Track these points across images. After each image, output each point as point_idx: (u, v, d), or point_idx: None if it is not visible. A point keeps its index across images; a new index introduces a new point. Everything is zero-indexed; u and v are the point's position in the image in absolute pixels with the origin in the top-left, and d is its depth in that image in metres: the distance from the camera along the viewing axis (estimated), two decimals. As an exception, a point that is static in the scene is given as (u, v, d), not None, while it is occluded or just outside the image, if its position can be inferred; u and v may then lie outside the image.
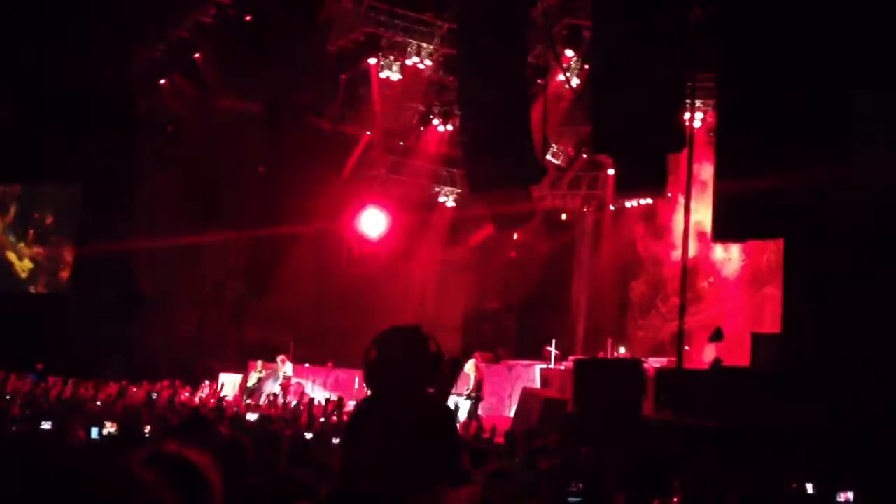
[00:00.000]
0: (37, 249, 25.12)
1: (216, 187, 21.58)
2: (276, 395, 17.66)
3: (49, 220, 25.06)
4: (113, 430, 6.46)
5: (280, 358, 19.65)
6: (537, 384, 16.12)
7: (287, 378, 19.21)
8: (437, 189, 23.19)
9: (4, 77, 20.88)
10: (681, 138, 12.01)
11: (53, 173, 24.43)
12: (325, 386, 20.15)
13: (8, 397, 13.56)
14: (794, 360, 10.31)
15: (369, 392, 3.50)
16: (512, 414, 14.94)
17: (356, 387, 19.07)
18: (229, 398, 18.70)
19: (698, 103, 15.92)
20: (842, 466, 8.21)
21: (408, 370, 3.36)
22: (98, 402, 13.42)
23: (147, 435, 7.39)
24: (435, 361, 3.39)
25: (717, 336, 13.09)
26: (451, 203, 23.27)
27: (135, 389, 16.76)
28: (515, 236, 22.30)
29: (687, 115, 13.52)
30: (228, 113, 21.41)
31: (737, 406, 10.43)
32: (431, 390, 3.39)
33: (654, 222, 20.32)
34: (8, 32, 19.93)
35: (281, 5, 18.44)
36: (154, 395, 15.87)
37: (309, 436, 9.18)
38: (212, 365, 20.92)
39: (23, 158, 22.82)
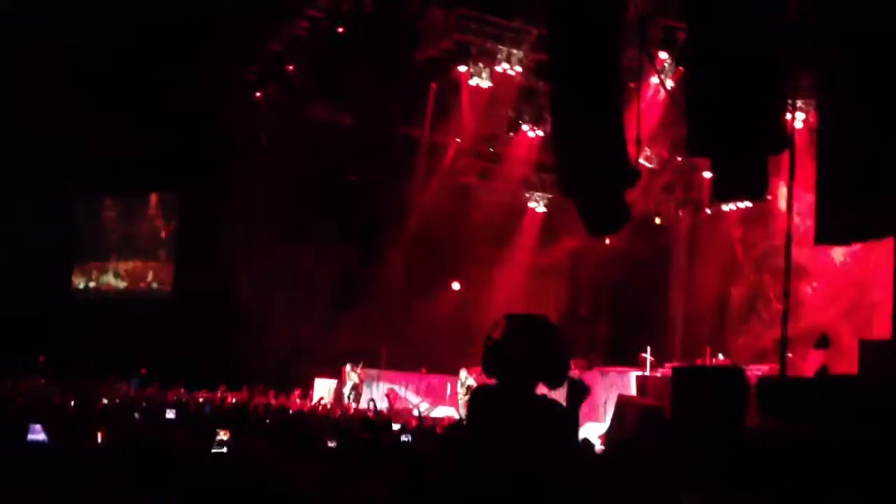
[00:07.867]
0: (138, 260, 26.04)
1: (309, 197, 21.96)
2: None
3: (150, 231, 25.94)
4: (225, 437, 6.58)
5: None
6: (632, 391, 15.86)
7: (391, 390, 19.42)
8: (527, 194, 23.11)
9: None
10: (782, 139, 11.64)
11: (154, 186, 25.37)
12: (417, 392, 20.31)
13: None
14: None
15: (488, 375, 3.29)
16: (607, 421, 14.74)
17: (448, 393, 19.15)
18: (325, 403, 19.02)
19: (799, 103, 15.46)
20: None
21: (533, 358, 3.18)
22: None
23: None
24: (562, 357, 3.23)
25: (822, 343, 12.64)
26: (541, 208, 23.16)
27: (232, 396, 17.22)
28: (608, 241, 22.00)
29: (788, 116, 13.13)
30: (320, 124, 21.77)
31: (845, 416, 10.02)
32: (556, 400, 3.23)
33: (755, 225, 19.78)
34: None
35: (372, 16, 18.63)
36: (253, 401, 16.24)
37: (406, 438, 9.25)
38: (306, 370, 21.28)
39: (125, 172, 23.73)
